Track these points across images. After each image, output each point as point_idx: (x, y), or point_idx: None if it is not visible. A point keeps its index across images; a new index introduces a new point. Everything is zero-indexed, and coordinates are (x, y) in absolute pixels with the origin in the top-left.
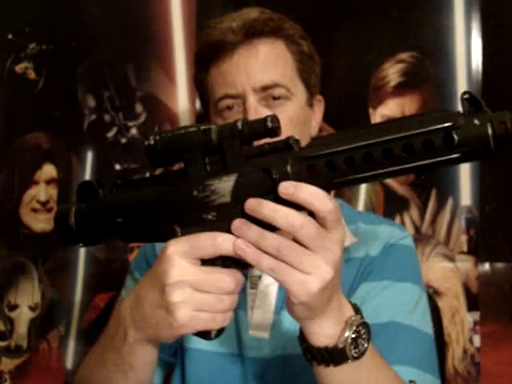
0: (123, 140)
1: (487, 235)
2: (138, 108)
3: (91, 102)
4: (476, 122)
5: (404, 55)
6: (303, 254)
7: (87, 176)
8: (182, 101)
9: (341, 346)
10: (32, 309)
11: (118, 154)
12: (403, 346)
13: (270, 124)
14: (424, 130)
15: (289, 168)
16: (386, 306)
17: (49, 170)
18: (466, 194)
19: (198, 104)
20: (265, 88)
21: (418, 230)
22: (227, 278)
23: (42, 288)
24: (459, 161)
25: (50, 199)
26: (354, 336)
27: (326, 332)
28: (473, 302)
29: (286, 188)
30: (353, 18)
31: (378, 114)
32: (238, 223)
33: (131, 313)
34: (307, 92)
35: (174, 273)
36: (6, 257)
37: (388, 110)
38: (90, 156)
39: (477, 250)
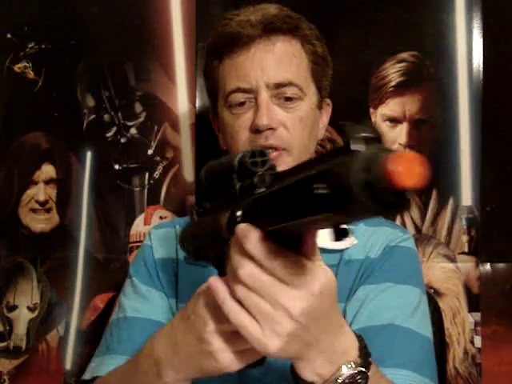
0: (122, 140)
1: (488, 235)
2: (138, 108)
3: (90, 101)
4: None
5: (405, 55)
6: (264, 309)
7: (86, 176)
8: (181, 100)
9: None
10: (31, 309)
11: (118, 154)
12: (402, 350)
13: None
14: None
15: (238, 213)
16: (385, 309)
17: (48, 170)
18: (466, 194)
19: (198, 104)
20: (278, 85)
21: (418, 230)
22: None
23: (41, 288)
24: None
25: (48, 199)
26: (346, 381)
27: (315, 370)
28: (474, 303)
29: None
30: (353, 18)
31: (379, 114)
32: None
33: (167, 355)
34: (318, 94)
35: (210, 322)
36: (4, 257)
37: (388, 109)
38: (89, 156)
39: (478, 251)
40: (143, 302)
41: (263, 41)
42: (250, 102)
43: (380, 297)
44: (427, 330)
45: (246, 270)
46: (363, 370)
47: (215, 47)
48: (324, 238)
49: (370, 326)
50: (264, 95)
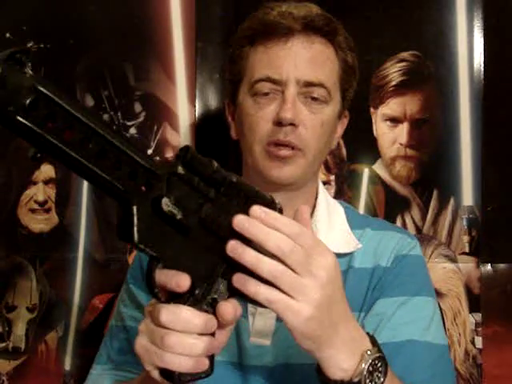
0: None
1: (489, 236)
2: (137, 107)
3: (90, 101)
4: None
5: (405, 54)
6: (295, 279)
7: None
8: (181, 100)
9: (356, 379)
10: (30, 310)
11: None
12: (422, 366)
13: None
14: (147, 165)
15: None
16: (404, 324)
17: (47, 170)
18: (467, 194)
19: (198, 104)
20: (309, 84)
21: (419, 230)
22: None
23: (40, 289)
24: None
25: (48, 199)
26: (370, 369)
27: (341, 365)
28: (475, 304)
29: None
30: (354, 17)
31: (379, 114)
32: (234, 244)
33: None
34: (341, 103)
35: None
36: (3, 257)
37: (389, 109)
38: None
39: (479, 251)
40: (141, 312)
41: (302, 36)
42: (276, 94)
43: (398, 313)
44: (443, 337)
45: (282, 241)
46: (381, 355)
47: (250, 32)
48: (330, 241)
49: (390, 342)
50: (292, 90)
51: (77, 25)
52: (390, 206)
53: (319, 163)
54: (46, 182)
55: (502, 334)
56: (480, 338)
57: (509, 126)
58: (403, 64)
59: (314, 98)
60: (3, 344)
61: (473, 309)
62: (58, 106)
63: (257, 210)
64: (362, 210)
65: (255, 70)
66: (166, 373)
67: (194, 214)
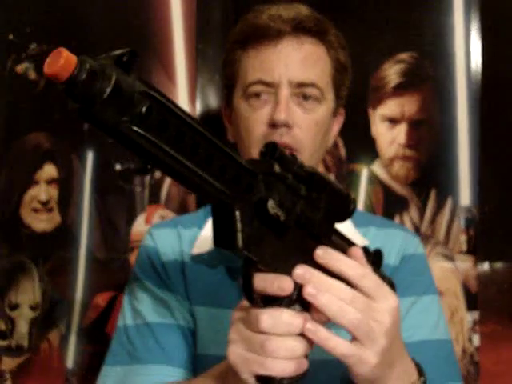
0: None
1: (486, 235)
2: None
3: None
4: None
5: (403, 55)
6: (368, 327)
7: (88, 176)
8: (181, 101)
9: None
10: (33, 308)
11: (119, 154)
12: (439, 363)
13: None
14: (249, 168)
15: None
16: (416, 325)
17: (49, 170)
18: (465, 193)
19: (198, 104)
20: (301, 85)
21: (417, 229)
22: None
23: (43, 287)
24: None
25: (50, 199)
26: None
27: None
28: (472, 302)
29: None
30: (352, 18)
31: (378, 114)
32: (310, 290)
33: None
34: (335, 101)
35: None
36: (6, 257)
37: (388, 110)
38: (90, 156)
39: (476, 250)
40: (163, 307)
41: (292, 38)
42: (269, 96)
43: (409, 314)
44: (448, 332)
45: (343, 291)
46: (426, 381)
47: (242, 37)
48: None
49: (405, 342)
50: (285, 91)
51: (79, 26)
52: (388, 206)
53: (316, 162)
54: (49, 182)
55: (499, 331)
56: (477, 336)
57: (506, 127)
58: (401, 65)
59: (306, 98)
60: (6, 342)
61: (470, 307)
62: (169, 113)
63: (320, 253)
64: (360, 209)
65: (248, 73)
66: (264, 379)
67: (291, 213)
